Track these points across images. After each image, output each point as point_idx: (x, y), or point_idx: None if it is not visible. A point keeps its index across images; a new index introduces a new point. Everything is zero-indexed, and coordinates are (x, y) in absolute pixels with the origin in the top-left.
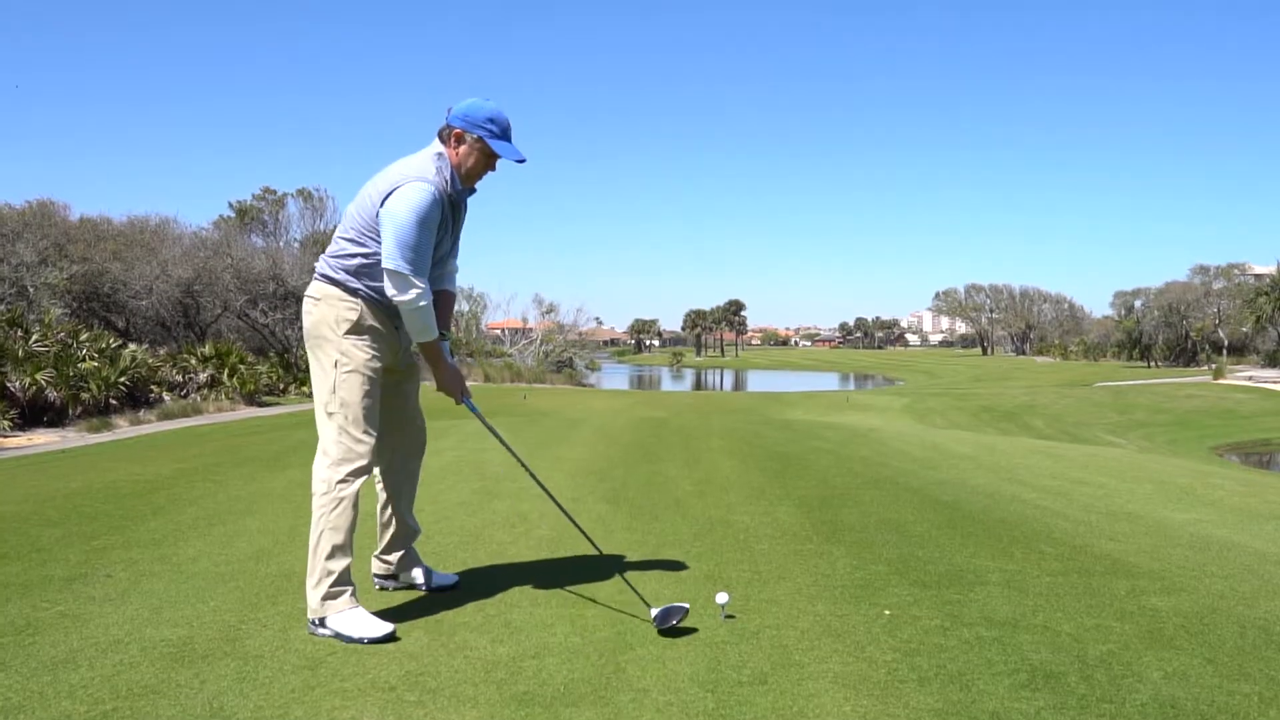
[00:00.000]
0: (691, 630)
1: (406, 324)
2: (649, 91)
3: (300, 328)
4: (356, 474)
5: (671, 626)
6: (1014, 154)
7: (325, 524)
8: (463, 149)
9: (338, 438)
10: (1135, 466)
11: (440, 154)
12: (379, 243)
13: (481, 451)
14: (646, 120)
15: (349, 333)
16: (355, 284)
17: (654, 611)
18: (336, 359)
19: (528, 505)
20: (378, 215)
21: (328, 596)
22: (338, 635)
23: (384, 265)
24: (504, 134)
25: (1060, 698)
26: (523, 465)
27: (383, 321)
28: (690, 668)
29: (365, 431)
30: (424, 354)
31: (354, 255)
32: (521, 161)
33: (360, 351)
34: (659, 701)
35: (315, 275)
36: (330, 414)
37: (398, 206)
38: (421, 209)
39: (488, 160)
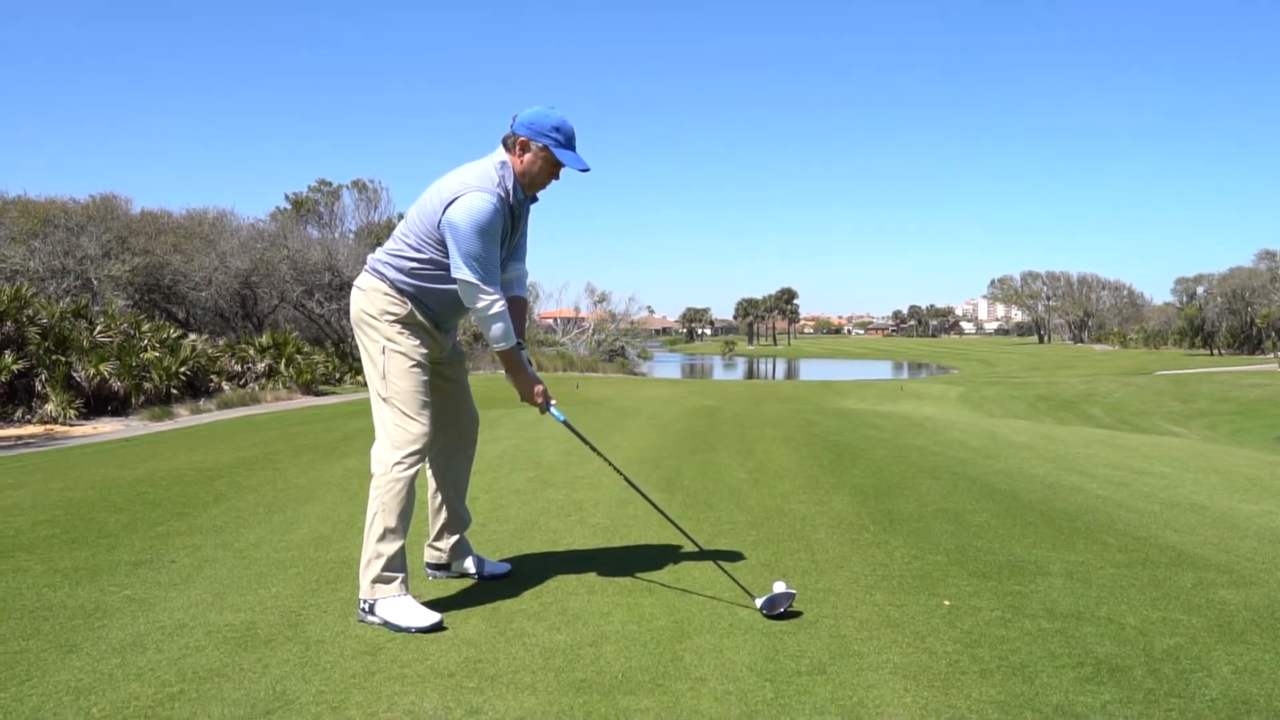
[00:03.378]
0: (750, 618)
1: (483, 331)
2: (704, 80)
3: None
4: (415, 456)
5: (781, 613)
6: (1072, 139)
7: (380, 505)
8: (527, 157)
9: (395, 421)
10: (1199, 456)
11: (504, 162)
12: (436, 250)
13: (537, 440)
14: (700, 109)
15: (394, 322)
16: (406, 284)
17: (759, 601)
18: (384, 345)
19: (582, 494)
20: (439, 224)
21: (378, 580)
22: (386, 623)
23: (454, 275)
24: (569, 143)
25: (1126, 691)
26: (623, 476)
27: (429, 320)
28: (748, 657)
29: (420, 414)
30: (503, 363)
31: (410, 258)
32: (585, 171)
33: (406, 339)
34: (717, 690)
35: (366, 268)
36: (384, 399)
37: (459, 217)
38: (482, 219)
39: (552, 169)
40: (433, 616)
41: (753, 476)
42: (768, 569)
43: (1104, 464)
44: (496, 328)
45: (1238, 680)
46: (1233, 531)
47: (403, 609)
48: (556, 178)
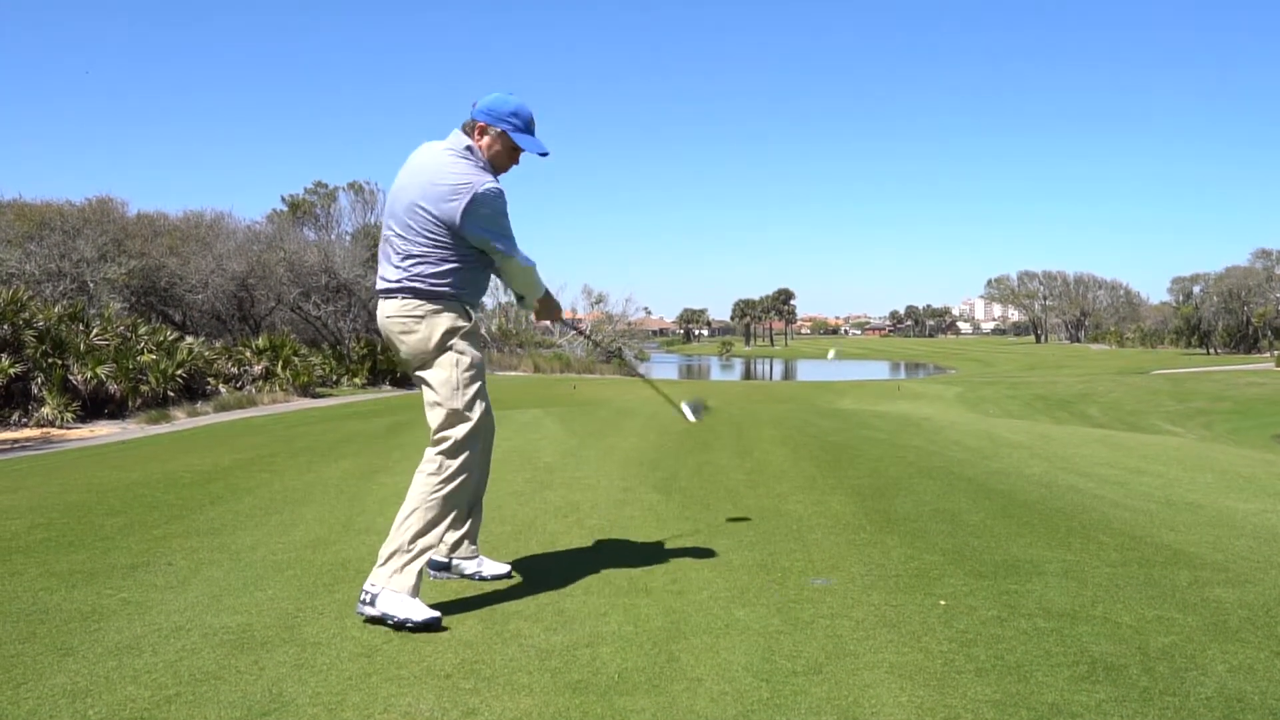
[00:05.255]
0: (746, 619)
1: (524, 286)
2: (698, 79)
3: (352, 319)
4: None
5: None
6: (1068, 139)
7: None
8: (485, 141)
9: None
10: (1195, 455)
11: (471, 148)
12: (445, 247)
13: (535, 442)
14: (696, 109)
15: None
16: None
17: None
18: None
19: (580, 495)
20: (456, 221)
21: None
22: (384, 615)
23: (497, 258)
24: (527, 128)
25: (1122, 690)
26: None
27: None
28: (744, 657)
29: None
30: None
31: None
32: (544, 155)
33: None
34: (713, 691)
35: (401, 296)
36: None
37: (487, 210)
38: (502, 207)
39: (511, 154)
40: (432, 612)
41: (750, 477)
42: (763, 569)
43: (1100, 463)
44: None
45: (1233, 678)
46: (1228, 530)
47: (405, 602)
48: (516, 163)
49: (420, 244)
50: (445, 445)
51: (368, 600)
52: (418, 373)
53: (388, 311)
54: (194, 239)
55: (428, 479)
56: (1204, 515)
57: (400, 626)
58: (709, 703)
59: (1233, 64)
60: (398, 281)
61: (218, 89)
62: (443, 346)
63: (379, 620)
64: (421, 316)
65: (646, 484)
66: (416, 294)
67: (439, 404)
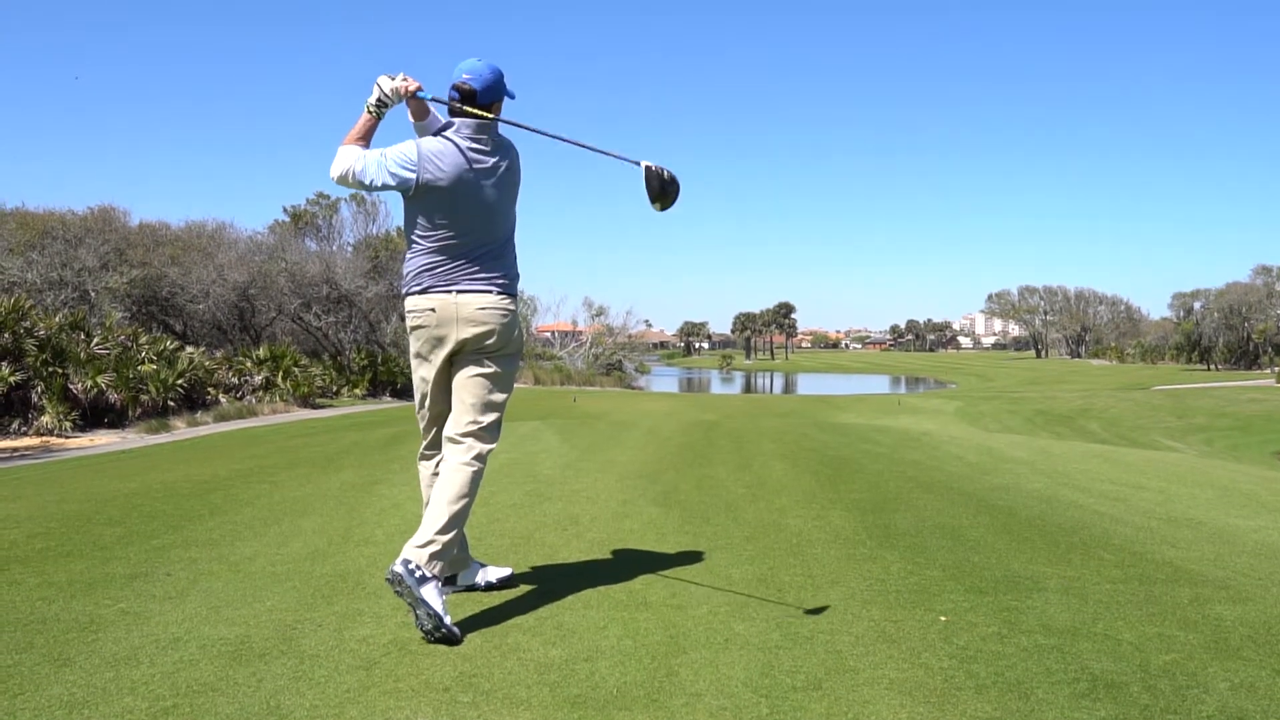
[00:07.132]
0: (746, 632)
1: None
2: (698, 91)
3: (353, 330)
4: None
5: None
6: (1069, 154)
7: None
8: (496, 112)
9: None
10: (1196, 471)
11: (487, 125)
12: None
13: (534, 455)
14: (696, 121)
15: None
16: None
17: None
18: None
19: (579, 508)
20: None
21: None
22: (424, 602)
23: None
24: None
25: (1123, 708)
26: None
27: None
28: (744, 672)
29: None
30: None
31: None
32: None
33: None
34: (712, 706)
35: (497, 291)
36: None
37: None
38: None
39: None
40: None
41: (750, 491)
42: (763, 583)
43: (1101, 479)
44: None
45: (1234, 696)
46: (1229, 547)
47: (441, 600)
48: None
49: (508, 237)
50: (485, 445)
51: (417, 576)
52: (481, 360)
53: (483, 304)
54: (195, 249)
55: (469, 468)
56: (1205, 532)
57: (436, 620)
58: (708, 718)
59: (1235, 78)
60: (502, 276)
61: (221, 99)
62: (520, 346)
63: (409, 600)
64: (514, 312)
65: (646, 497)
66: (511, 293)
67: (492, 395)
